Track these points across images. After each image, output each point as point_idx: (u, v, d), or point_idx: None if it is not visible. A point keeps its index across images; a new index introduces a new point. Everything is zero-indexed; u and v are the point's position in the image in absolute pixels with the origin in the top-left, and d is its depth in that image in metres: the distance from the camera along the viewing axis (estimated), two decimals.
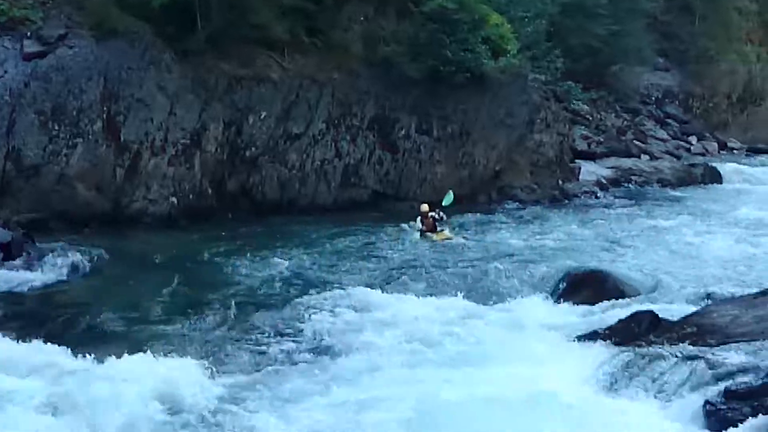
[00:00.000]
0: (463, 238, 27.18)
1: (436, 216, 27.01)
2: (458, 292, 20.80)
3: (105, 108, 27.24)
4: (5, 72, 26.44)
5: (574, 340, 17.22)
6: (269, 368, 16.62)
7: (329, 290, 20.95)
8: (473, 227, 29.29)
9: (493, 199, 34.64)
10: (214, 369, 16.13)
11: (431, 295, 20.81)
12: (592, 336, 17.17)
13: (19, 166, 26.24)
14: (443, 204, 28.06)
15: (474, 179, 34.53)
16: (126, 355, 16.10)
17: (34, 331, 17.53)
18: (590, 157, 42.81)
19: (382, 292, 20.79)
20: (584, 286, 20.83)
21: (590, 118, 48.03)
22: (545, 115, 37.69)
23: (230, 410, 14.56)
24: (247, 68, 29.69)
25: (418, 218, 27.11)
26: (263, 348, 17.63)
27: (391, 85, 32.36)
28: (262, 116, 30.02)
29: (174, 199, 28.26)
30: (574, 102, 46.23)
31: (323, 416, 14.33)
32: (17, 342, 16.95)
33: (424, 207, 27.25)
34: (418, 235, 26.94)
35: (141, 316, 19.33)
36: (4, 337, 17.09)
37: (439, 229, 27.00)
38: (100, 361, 15.97)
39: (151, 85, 27.92)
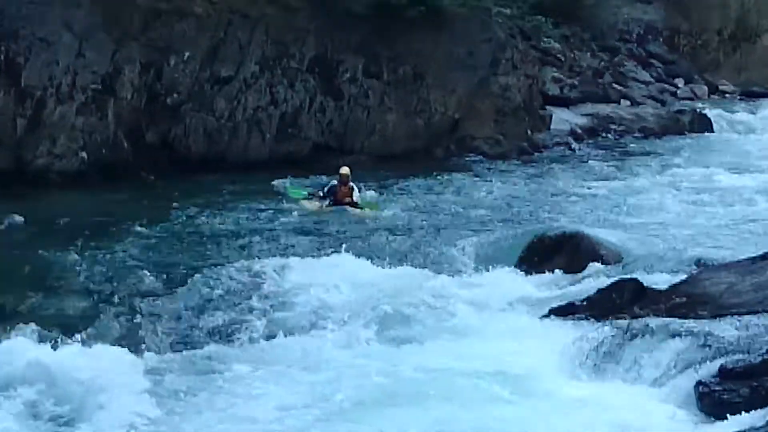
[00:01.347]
0: (400, 210, 26.28)
1: (356, 187, 25.62)
2: (408, 262, 20.81)
3: (2, 49, 26.89)
4: None
5: (546, 315, 17.26)
6: (201, 349, 16.57)
7: (265, 258, 20.88)
8: (427, 186, 29.32)
9: (452, 153, 34.69)
10: (138, 352, 16.07)
11: (381, 264, 20.75)
12: (566, 309, 17.21)
13: None
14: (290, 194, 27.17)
15: (430, 129, 34.56)
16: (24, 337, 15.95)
17: None
18: (563, 103, 42.86)
19: (325, 258, 20.78)
20: (557, 251, 20.86)
21: (563, 59, 48.05)
22: (511, 54, 37.64)
23: (162, 401, 14.41)
24: (166, 1, 29.43)
25: (329, 184, 25.88)
26: (190, 325, 17.63)
27: (334, 21, 32.24)
28: (185, 57, 29.81)
29: (84, 154, 28.03)
30: (545, 40, 46.28)
31: (278, 397, 14.35)
32: None
33: (345, 169, 25.80)
34: (316, 200, 25.78)
35: (47, 293, 19.12)
36: None
37: (363, 204, 25.70)
38: None
39: (56, 21, 27.58)
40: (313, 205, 25.55)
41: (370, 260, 20.64)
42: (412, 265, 20.61)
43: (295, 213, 25.22)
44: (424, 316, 17.44)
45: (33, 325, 16.53)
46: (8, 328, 16.47)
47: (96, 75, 28.24)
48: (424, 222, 24.71)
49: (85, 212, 24.88)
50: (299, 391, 14.47)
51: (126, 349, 15.97)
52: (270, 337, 16.98)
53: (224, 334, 17.26)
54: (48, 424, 13.58)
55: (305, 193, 26.40)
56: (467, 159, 34.08)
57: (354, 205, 25.15)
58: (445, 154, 34.44)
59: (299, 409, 13.89)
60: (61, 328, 16.73)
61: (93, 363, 14.97)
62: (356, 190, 25.31)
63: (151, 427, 13.54)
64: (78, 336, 16.25)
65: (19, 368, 14.54)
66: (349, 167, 25.86)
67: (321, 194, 25.43)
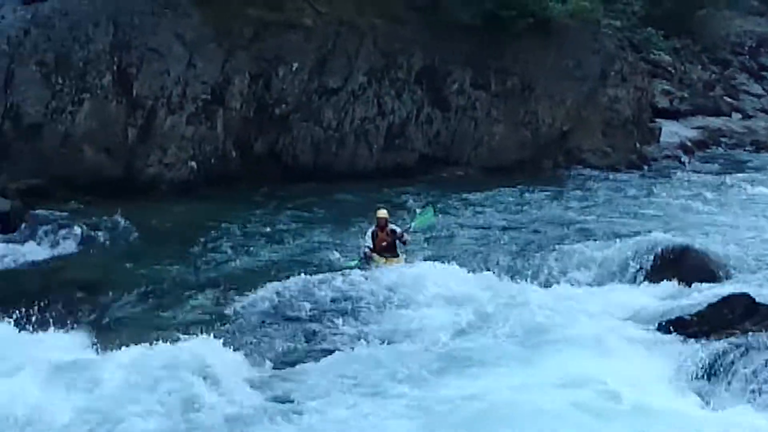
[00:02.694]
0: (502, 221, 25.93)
1: (398, 232, 21.24)
2: (518, 274, 20.66)
3: (115, 59, 27.30)
4: (2, 18, 26.56)
5: (654, 328, 17.03)
6: (309, 355, 16.70)
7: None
8: (535, 198, 29.08)
9: (560, 164, 34.41)
10: (251, 357, 16.23)
11: (489, 275, 20.59)
12: (677, 323, 16.97)
13: (19, 125, 26.35)
14: (413, 224, 22.47)
15: (537, 141, 34.32)
16: (138, 341, 16.09)
17: (35, 315, 17.45)
18: (672, 115, 42.41)
19: (430, 267, 20.62)
20: (668, 265, 20.59)
21: (672, 71, 47.50)
22: (620, 66, 37.32)
23: (271, 405, 14.51)
24: (276, 12, 29.64)
25: (369, 231, 21.38)
26: (298, 331, 17.70)
27: (442, 32, 32.17)
28: (294, 68, 29.96)
29: (193, 164, 28.30)
30: (654, 52, 45.81)
31: (374, 406, 14.36)
32: (15, 327, 16.94)
33: (382, 212, 21.32)
34: (356, 261, 21.46)
35: (155, 297, 19.40)
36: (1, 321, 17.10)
37: (418, 221, 22.55)
38: (110, 349, 15.98)
39: (168, 32, 27.93)
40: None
41: (474, 271, 20.53)
42: (521, 277, 20.44)
43: None
44: (534, 328, 17.26)
45: (149, 329, 16.99)
46: (129, 333, 16.89)
47: (206, 85, 28.49)
48: (533, 233, 24.49)
49: (193, 221, 25.07)
50: (400, 404, 14.44)
51: (237, 351, 16.16)
52: (365, 346, 16.99)
53: (320, 342, 17.32)
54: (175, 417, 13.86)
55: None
56: (575, 171, 33.72)
57: (392, 249, 21.08)
58: (553, 166, 34.16)
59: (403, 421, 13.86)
60: (173, 331, 16.97)
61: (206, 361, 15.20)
62: (397, 231, 21.14)
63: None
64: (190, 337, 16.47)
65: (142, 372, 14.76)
66: (387, 209, 21.67)
67: (368, 245, 21.13)
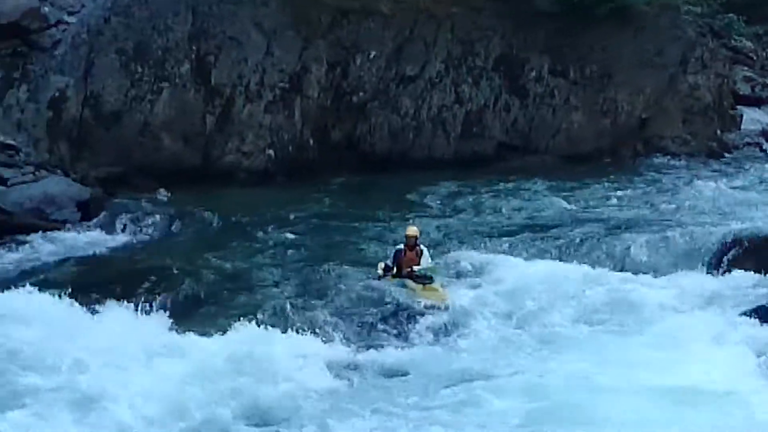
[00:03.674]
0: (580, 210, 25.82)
1: (426, 252, 19.19)
2: (596, 262, 20.47)
3: (194, 47, 27.46)
4: (82, 6, 26.78)
5: (737, 316, 16.81)
6: (394, 341, 16.89)
7: (455, 250, 20.95)
8: (613, 186, 28.73)
9: (639, 152, 33.94)
10: (330, 343, 16.40)
11: (574, 262, 20.54)
12: (758, 312, 16.77)
13: (98, 113, 26.58)
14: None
15: (616, 129, 33.91)
16: (217, 327, 16.36)
17: (116, 301, 17.70)
18: (754, 102, 41.67)
19: (516, 258, 20.71)
20: (753, 253, 20.30)
21: (754, 57, 46.71)
22: (701, 53, 36.73)
23: (350, 389, 14.56)
24: (354, 0, 29.55)
25: (395, 249, 19.47)
26: (380, 317, 17.80)
27: (520, 20, 31.94)
28: (371, 56, 29.92)
29: (271, 152, 28.37)
30: (736, 38, 45.00)
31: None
32: (97, 313, 17.19)
33: (412, 230, 19.43)
34: (381, 271, 19.29)
35: (233, 284, 19.46)
36: (82, 307, 17.29)
37: (421, 272, 18.97)
38: (189, 333, 16.19)
39: (246, 20, 28.00)
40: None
41: (559, 260, 20.53)
42: (599, 265, 20.25)
43: None
44: (613, 317, 17.12)
45: (227, 315, 17.16)
46: (207, 318, 17.20)
47: (283, 73, 28.52)
48: (612, 221, 24.15)
49: (270, 210, 25.06)
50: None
51: (313, 337, 16.39)
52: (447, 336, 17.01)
53: (402, 331, 17.36)
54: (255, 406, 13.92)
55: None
56: (654, 159, 33.27)
57: (417, 277, 18.93)
58: (632, 154, 33.70)
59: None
60: (251, 317, 16.97)
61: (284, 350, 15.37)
62: (426, 255, 19.09)
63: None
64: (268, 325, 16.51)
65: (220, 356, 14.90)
66: (418, 228, 19.95)
67: (387, 263, 19.28)
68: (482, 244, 21.92)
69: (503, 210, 25.41)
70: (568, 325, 17.12)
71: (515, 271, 19.70)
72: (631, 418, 13.21)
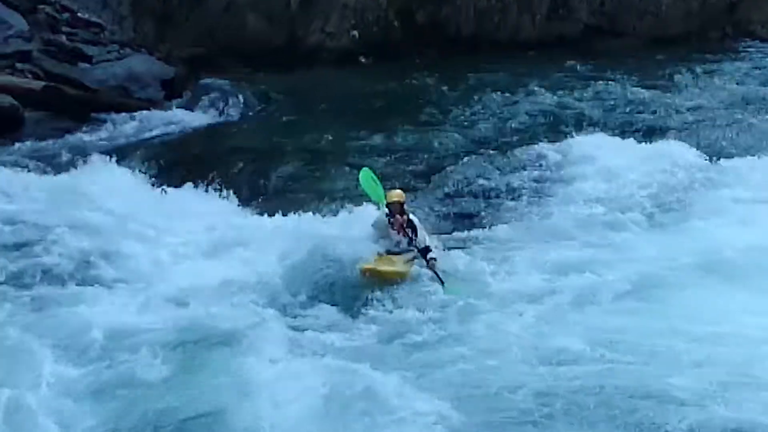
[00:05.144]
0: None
1: (414, 221, 14.50)
2: (695, 146, 19.76)
3: None
4: None
5: None
6: (482, 223, 16.43)
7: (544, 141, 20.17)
8: (704, 69, 27.81)
9: (728, 36, 32.94)
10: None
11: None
12: None
13: None
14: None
15: (705, 11, 32.90)
16: (295, 209, 16.13)
17: (198, 177, 17.77)
18: None
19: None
20: None
21: None
22: None
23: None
24: None
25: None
26: (454, 210, 17.26)
27: None
28: None
29: (355, 33, 27.92)
30: None
31: None
32: (179, 188, 17.36)
33: (395, 194, 14.74)
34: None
35: (313, 167, 19.15)
36: (165, 183, 17.51)
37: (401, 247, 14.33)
38: (270, 213, 16.10)
39: None
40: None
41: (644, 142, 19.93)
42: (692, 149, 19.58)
43: None
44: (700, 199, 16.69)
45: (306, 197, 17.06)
46: (287, 200, 16.95)
47: None
48: (704, 106, 23.34)
49: (354, 91, 24.64)
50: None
51: None
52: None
53: (490, 215, 16.89)
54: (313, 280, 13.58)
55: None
56: (744, 43, 32.24)
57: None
58: (721, 38, 32.72)
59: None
60: (330, 200, 16.93)
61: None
62: (418, 225, 14.50)
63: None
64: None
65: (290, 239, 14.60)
66: (403, 190, 15.41)
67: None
68: (570, 129, 21.32)
69: (587, 94, 24.64)
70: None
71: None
72: None
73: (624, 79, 25.77)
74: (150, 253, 14.58)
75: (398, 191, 14.81)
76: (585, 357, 11.28)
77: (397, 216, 14.23)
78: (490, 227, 16.14)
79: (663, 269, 13.74)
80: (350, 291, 13.38)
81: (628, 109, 23.11)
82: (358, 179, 15.34)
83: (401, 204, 14.40)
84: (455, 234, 16.00)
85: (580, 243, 15.19)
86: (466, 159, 19.12)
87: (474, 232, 15.98)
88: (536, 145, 19.54)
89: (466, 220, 16.75)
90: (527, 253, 14.72)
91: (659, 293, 13.05)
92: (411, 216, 14.51)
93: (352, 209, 15.84)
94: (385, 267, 13.67)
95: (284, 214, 15.88)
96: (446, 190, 17.82)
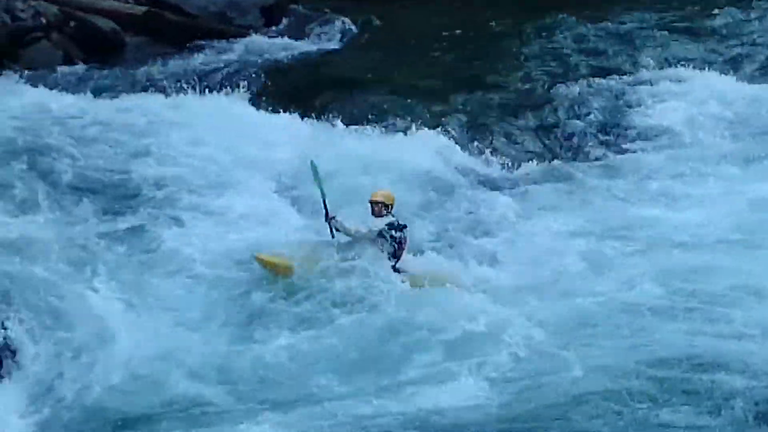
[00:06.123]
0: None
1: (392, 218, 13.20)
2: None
3: None
4: None
5: None
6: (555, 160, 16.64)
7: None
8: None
9: None
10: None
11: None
12: None
13: None
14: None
15: None
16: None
17: (296, 104, 17.92)
18: None
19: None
20: None
21: None
22: None
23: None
24: None
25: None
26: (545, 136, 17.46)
27: None
28: None
29: None
30: None
31: None
32: (278, 113, 17.59)
33: (379, 194, 13.36)
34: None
35: (403, 97, 19.04)
36: (265, 108, 17.81)
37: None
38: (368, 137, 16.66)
39: None
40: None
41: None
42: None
43: None
44: None
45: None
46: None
47: None
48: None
49: (445, 25, 23.59)
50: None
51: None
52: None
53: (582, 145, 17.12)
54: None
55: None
56: None
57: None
58: None
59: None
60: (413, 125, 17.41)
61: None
62: (402, 238, 13.24)
63: None
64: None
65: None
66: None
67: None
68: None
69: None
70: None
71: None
72: None
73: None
74: None
75: (384, 192, 13.41)
76: None
77: (373, 216, 13.10)
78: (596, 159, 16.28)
79: None
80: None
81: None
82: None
83: (381, 204, 13.09)
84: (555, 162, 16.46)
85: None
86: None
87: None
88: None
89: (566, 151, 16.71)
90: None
91: None
92: (393, 219, 13.14)
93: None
94: (269, 258, 13.01)
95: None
96: (540, 121, 18.17)
